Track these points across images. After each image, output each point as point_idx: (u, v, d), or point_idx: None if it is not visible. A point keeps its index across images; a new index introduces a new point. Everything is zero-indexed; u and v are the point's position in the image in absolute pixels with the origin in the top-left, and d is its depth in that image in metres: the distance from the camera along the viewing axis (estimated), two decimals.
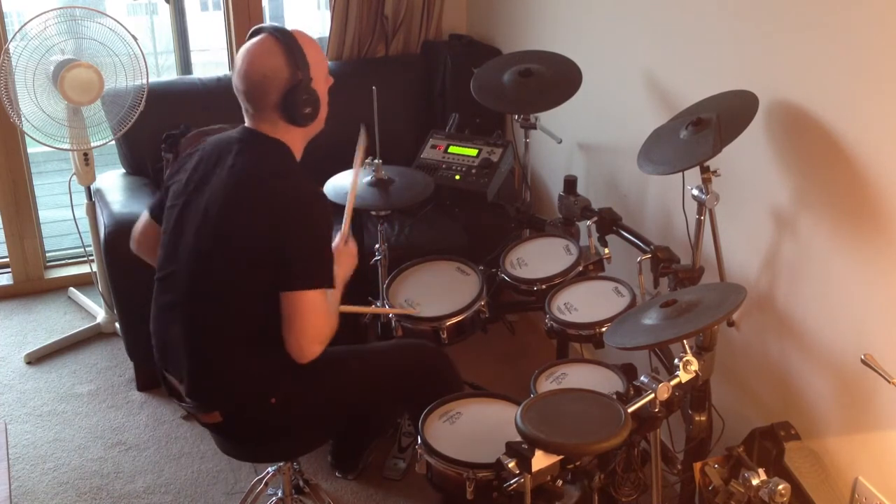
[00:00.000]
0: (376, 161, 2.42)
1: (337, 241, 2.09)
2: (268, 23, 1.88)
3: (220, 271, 1.86)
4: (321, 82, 1.90)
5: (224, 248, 1.85)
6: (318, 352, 1.85)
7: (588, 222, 2.40)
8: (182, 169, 1.98)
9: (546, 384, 1.99)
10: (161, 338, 1.97)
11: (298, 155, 1.94)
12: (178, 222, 1.92)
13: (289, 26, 1.88)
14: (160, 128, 3.06)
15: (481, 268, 2.39)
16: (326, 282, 1.85)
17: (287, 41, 1.84)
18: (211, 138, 2.01)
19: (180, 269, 1.90)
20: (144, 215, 2.09)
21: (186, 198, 1.91)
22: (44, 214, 3.68)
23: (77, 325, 3.33)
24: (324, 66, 1.92)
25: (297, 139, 1.92)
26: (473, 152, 2.95)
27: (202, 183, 1.90)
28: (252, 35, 1.89)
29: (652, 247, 2.17)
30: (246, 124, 1.93)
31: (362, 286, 2.53)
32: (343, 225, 2.14)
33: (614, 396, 1.69)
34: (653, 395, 1.68)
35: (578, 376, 2.01)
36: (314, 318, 1.82)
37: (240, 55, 1.87)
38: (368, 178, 2.42)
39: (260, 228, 1.81)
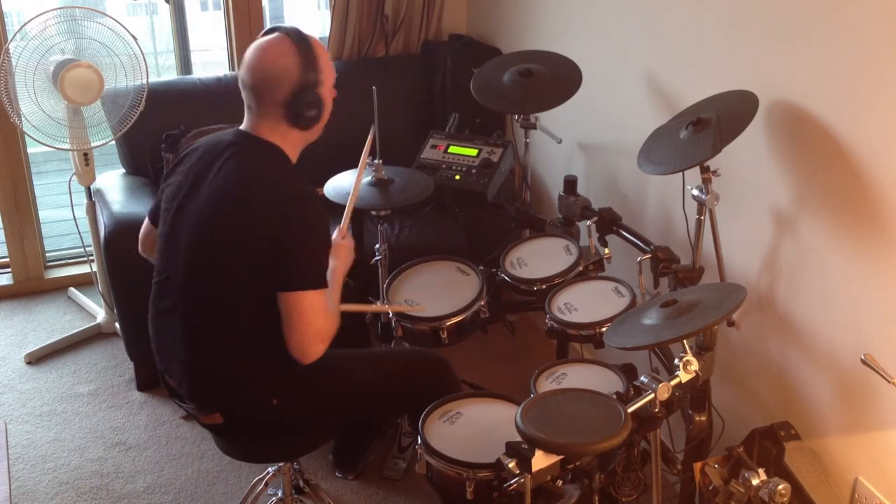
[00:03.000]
0: (376, 161, 2.42)
1: (335, 235, 2.09)
2: (286, 25, 1.89)
3: (216, 274, 1.85)
4: (328, 91, 1.91)
5: (219, 252, 1.84)
6: (320, 351, 1.84)
7: (588, 222, 2.40)
8: (175, 171, 1.97)
9: (546, 384, 1.99)
10: (160, 341, 1.97)
11: (293, 160, 1.92)
12: (172, 226, 1.91)
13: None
14: (160, 128, 3.06)
15: (481, 268, 2.39)
16: (323, 282, 1.85)
17: (303, 44, 1.84)
18: (203, 139, 1.99)
19: (177, 273, 1.89)
20: (146, 221, 2.09)
21: (180, 201, 1.90)
22: (44, 214, 3.68)
23: (77, 325, 3.33)
24: (332, 77, 1.92)
25: (293, 143, 1.91)
26: (473, 152, 2.95)
27: (195, 186, 1.88)
28: (267, 33, 1.88)
29: (652, 247, 2.17)
30: (242, 126, 1.91)
31: (363, 285, 2.53)
32: (343, 220, 2.13)
33: (614, 396, 1.69)
34: (653, 395, 1.68)
35: (578, 376, 2.01)
36: (314, 318, 1.81)
37: (252, 49, 1.86)
38: (369, 178, 2.43)
39: (255, 230, 1.80)
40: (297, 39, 1.84)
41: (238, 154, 1.87)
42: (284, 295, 1.79)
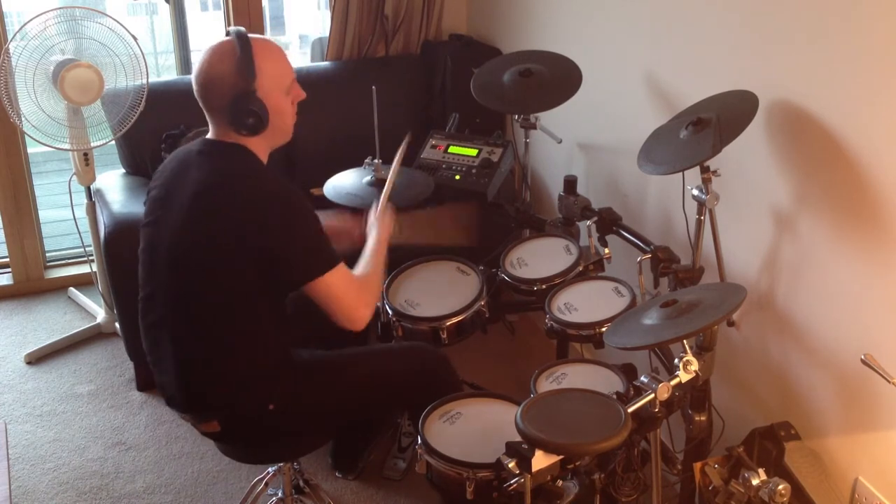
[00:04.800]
0: (376, 161, 2.42)
1: (372, 212, 2.15)
2: (234, 27, 1.85)
3: (199, 281, 1.84)
4: (275, 94, 1.84)
5: (199, 261, 1.83)
6: (368, 315, 1.91)
7: (588, 222, 2.40)
8: (153, 186, 1.95)
9: (546, 384, 1.99)
10: (153, 356, 1.96)
11: (264, 161, 1.90)
12: (150, 241, 1.91)
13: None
14: (160, 128, 3.06)
15: (481, 268, 2.39)
16: (335, 259, 1.85)
17: (243, 48, 1.78)
18: (174, 152, 1.99)
19: (159, 287, 1.89)
20: None
21: (155, 215, 1.90)
22: (44, 214, 3.68)
23: (77, 325, 3.33)
24: (282, 78, 1.86)
25: (256, 146, 1.88)
26: (473, 152, 2.95)
27: (168, 199, 1.87)
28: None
29: (652, 247, 2.17)
30: (208, 135, 1.90)
31: None
32: (381, 199, 2.18)
33: (614, 396, 1.69)
34: (653, 395, 1.68)
35: (578, 376, 2.01)
36: (343, 294, 1.86)
37: (201, 54, 1.85)
38: (368, 178, 2.42)
39: (235, 233, 1.78)
40: (240, 44, 1.78)
41: (205, 162, 1.86)
42: (308, 287, 1.83)
